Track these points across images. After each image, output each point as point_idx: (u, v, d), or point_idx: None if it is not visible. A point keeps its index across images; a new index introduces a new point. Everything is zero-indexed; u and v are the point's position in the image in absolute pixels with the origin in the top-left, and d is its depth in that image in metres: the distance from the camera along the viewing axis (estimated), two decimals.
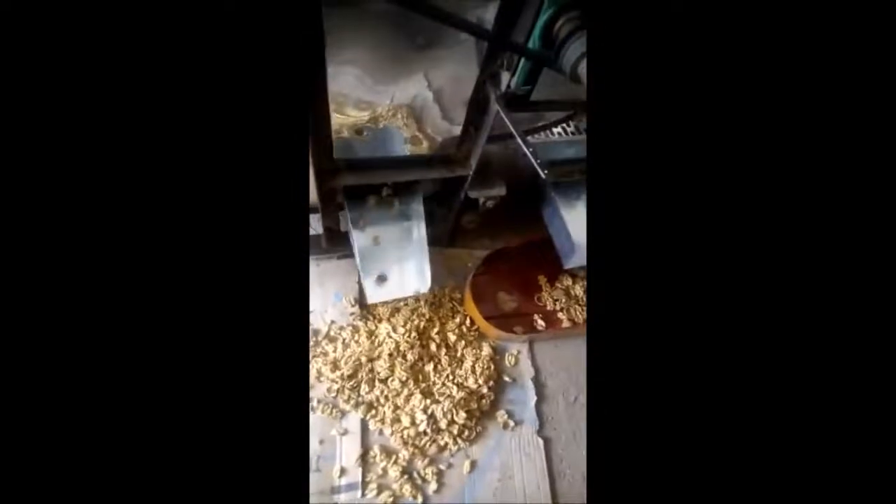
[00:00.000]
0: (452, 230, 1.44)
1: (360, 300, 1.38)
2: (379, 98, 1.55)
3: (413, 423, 1.22)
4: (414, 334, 1.30)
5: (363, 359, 1.28)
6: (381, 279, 1.27)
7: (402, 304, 1.38)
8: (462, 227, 1.43)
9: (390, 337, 1.30)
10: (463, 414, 1.24)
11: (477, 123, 1.06)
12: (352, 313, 1.35)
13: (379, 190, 1.25)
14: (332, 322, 1.32)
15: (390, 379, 1.26)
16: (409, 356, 1.28)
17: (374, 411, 1.23)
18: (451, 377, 1.31)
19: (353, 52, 1.46)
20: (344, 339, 1.31)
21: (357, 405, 1.20)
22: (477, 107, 1.02)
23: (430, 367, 1.31)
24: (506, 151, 1.27)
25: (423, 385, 1.28)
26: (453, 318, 1.40)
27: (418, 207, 1.27)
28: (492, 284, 1.44)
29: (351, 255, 1.44)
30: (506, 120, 0.99)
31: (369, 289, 1.21)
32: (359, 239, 1.24)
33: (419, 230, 1.28)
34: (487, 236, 1.51)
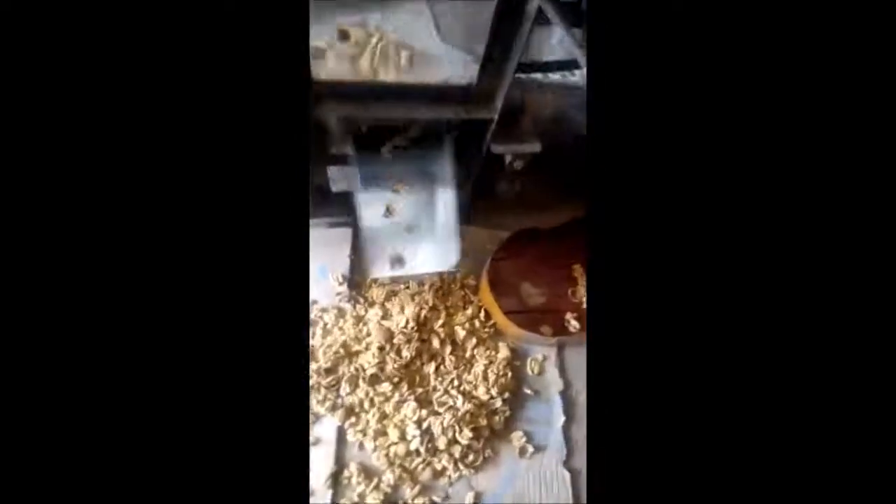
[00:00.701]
0: (472, 199, 1.16)
1: (351, 279, 1.12)
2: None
3: (403, 437, 0.95)
4: (412, 325, 1.03)
5: (346, 350, 1.02)
6: (398, 262, 1.00)
7: (401, 286, 1.11)
8: (494, 196, 1.15)
9: (382, 325, 1.03)
10: (468, 432, 0.96)
11: (505, 41, 0.79)
12: (338, 293, 1.09)
13: (391, 136, 0.99)
14: (314, 302, 1.07)
15: (379, 379, 0.99)
16: (405, 352, 1.01)
17: (354, 418, 0.97)
18: (455, 383, 1.03)
19: None
20: (325, 324, 1.05)
21: (334, 408, 0.95)
22: (506, 13, 0.74)
23: (429, 369, 1.03)
24: (543, 94, 0.99)
25: (420, 391, 1.01)
26: (464, 309, 1.12)
27: (445, 164, 1.00)
28: (515, 272, 1.16)
29: (345, 224, 1.19)
30: (564, 32, 0.71)
31: (376, 265, 0.95)
32: (366, 208, 0.97)
33: (447, 195, 1.01)
34: (513, 212, 1.22)
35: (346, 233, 1.17)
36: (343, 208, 1.09)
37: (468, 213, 1.25)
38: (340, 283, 1.10)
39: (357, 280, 1.12)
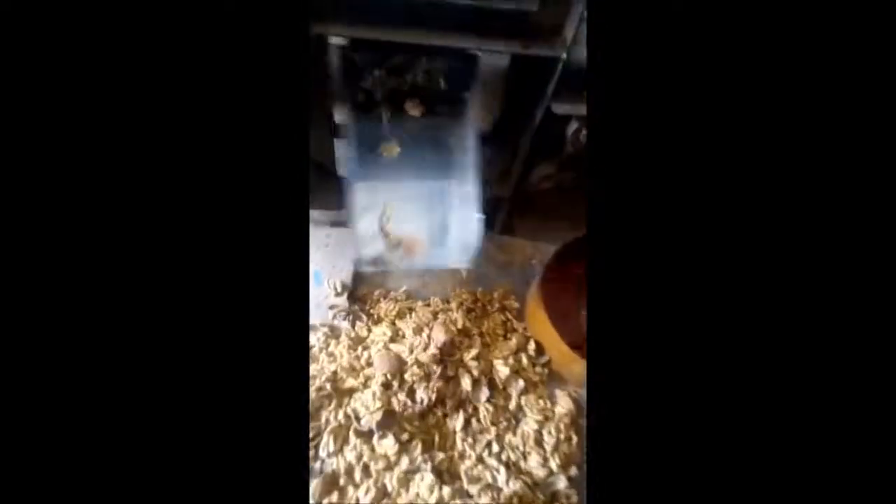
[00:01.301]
0: (513, 198, 0.89)
1: (352, 291, 0.82)
2: None
3: None
4: (433, 352, 0.71)
5: (336, 386, 0.69)
6: (393, 245, 0.73)
7: (418, 303, 0.81)
8: (527, 189, 0.88)
9: (390, 350, 0.71)
10: None
11: None
12: (333, 306, 0.79)
13: (401, 101, 0.76)
14: None
15: (380, 435, 0.66)
16: (421, 393, 0.69)
17: (337, 495, 0.62)
18: (495, 448, 0.68)
19: None
20: (311, 347, 0.74)
21: (310, 475, 0.60)
22: None
23: (456, 423, 0.70)
24: None
25: (441, 456, 0.66)
26: (505, 338, 0.80)
27: (466, 137, 0.76)
28: (576, 293, 0.84)
29: (347, 224, 0.92)
30: None
31: (367, 245, 0.68)
32: (360, 194, 0.73)
33: (466, 177, 0.77)
34: (566, 215, 0.94)
35: (350, 235, 0.90)
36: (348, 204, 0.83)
37: (507, 220, 0.97)
38: (338, 294, 0.80)
39: (361, 293, 0.83)
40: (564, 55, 0.65)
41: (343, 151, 0.80)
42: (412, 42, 0.64)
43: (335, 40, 0.63)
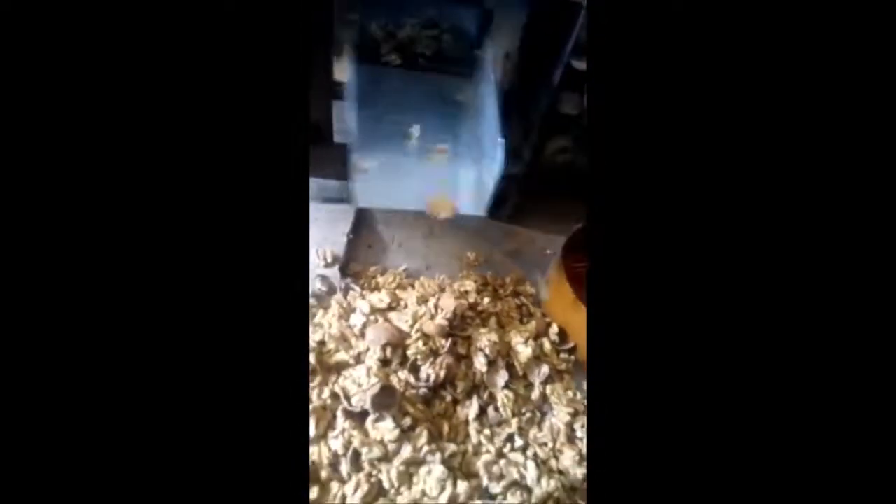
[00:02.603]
0: (526, 179, 0.82)
1: (344, 265, 0.71)
2: None
3: None
4: (441, 323, 0.59)
5: (322, 360, 0.56)
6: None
7: (421, 278, 0.70)
8: (542, 166, 0.81)
9: (389, 321, 0.59)
10: None
11: None
12: (321, 276, 0.67)
13: (411, 57, 0.71)
14: None
15: (375, 417, 0.52)
16: (426, 370, 0.56)
17: (318, 490, 0.47)
18: (519, 440, 0.55)
19: None
20: None
21: None
22: None
23: (469, 410, 0.56)
24: None
25: (452, 448, 0.52)
26: (522, 323, 0.69)
27: (481, 96, 0.71)
28: None
29: (344, 200, 0.83)
30: None
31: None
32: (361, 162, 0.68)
33: (480, 134, 0.72)
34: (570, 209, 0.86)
35: (345, 212, 0.80)
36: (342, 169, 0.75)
37: (518, 205, 0.89)
38: (327, 264, 0.69)
39: (355, 270, 0.71)
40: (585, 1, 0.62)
41: (344, 115, 0.74)
42: None
43: None
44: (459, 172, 0.70)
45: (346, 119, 0.74)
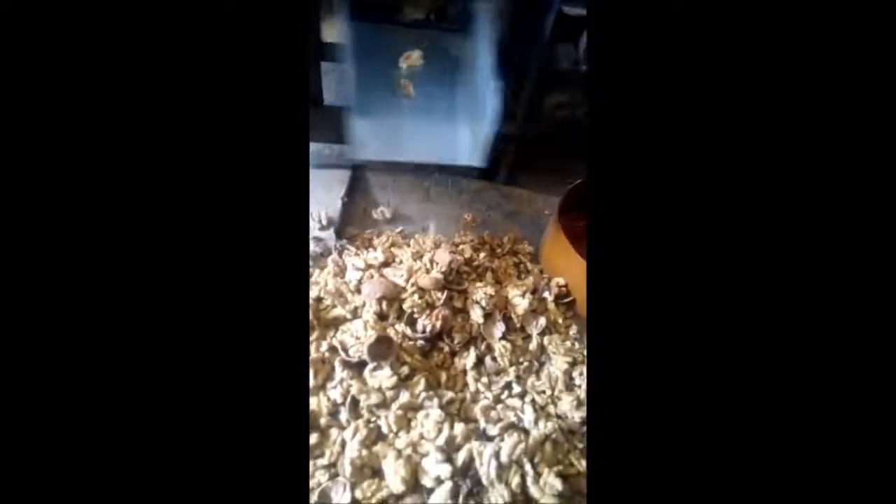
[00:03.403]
0: (522, 138, 0.80)
1: (339, 228, 0.71)
2: None
3: (414, 481, 0.45)
4: (436, 276, 0.59)
5: (319, 315, 0.57)
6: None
7: (416, 236, 0.70)
8: (539, 123, 0.80)
9: (385, 275, 0.59)
10: (553, 478, 0.46)
11: None
12: (317, 238, 0.67)
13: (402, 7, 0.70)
14: None
15: (373, 366, 0.52)
16: (423, 321, 0.56)
17: (318, 437, 0.48)
18: (516, 387, 0.55)
19: None
20: None
21: None
22: None
23: (467, 360, 0.56)
24: None
25: (450, 395, 0.53)
26: (520, 277, 0.68)
27: (475, 49, 0.70)
28: None
29: (340, 165, 0.83)
30: None
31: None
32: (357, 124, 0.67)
33: (480, 75, 0.71)
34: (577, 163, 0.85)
35: (341, 176, 0.80)
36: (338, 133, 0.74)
37: (514, 166, 0.88)
38: (322, 227, 0.69)
39: (351, 234, 0.71)
40: None
41: (337, 76, 0.73)
42: None
43: None
44: (457, 128, 0.69)
45: (343, 80, 0.73)
